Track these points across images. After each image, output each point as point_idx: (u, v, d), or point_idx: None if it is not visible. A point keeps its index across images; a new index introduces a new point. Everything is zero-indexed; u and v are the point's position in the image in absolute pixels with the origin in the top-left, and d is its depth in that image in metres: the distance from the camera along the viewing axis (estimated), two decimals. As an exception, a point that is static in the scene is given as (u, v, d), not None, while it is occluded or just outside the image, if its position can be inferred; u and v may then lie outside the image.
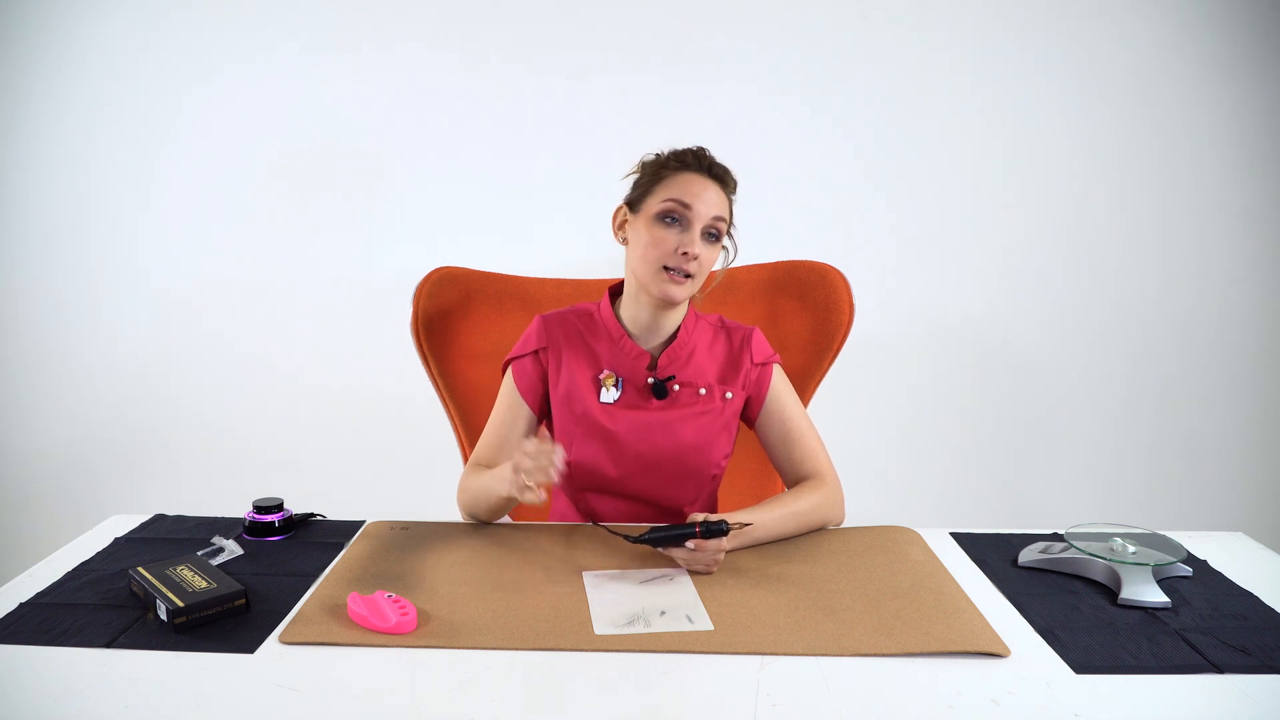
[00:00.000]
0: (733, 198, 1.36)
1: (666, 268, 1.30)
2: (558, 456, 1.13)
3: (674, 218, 1.30)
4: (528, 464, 1.14)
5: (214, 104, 2.33)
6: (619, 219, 1.38)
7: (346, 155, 2.36)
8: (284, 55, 2.30)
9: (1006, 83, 2.29)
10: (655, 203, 1.31)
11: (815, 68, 2.29)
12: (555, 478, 1.14)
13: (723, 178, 1.33)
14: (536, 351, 1.40)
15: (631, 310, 1.38)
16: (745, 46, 2.27)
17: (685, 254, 1.28)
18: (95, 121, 2.34)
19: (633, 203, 1.36)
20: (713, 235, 1.31)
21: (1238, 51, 2.27)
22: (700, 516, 1.18)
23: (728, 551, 1.24)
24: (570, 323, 1.41)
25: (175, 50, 2.30)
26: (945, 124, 2.32)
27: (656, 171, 1.34)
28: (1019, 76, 2.29)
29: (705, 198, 1.30)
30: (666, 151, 1.36)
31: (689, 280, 1.31)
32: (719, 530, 1.15)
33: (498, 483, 1.25)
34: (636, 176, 1.37)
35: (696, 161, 1.32)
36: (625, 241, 1.37)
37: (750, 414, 1.43)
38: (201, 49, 2.30)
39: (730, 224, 1.35)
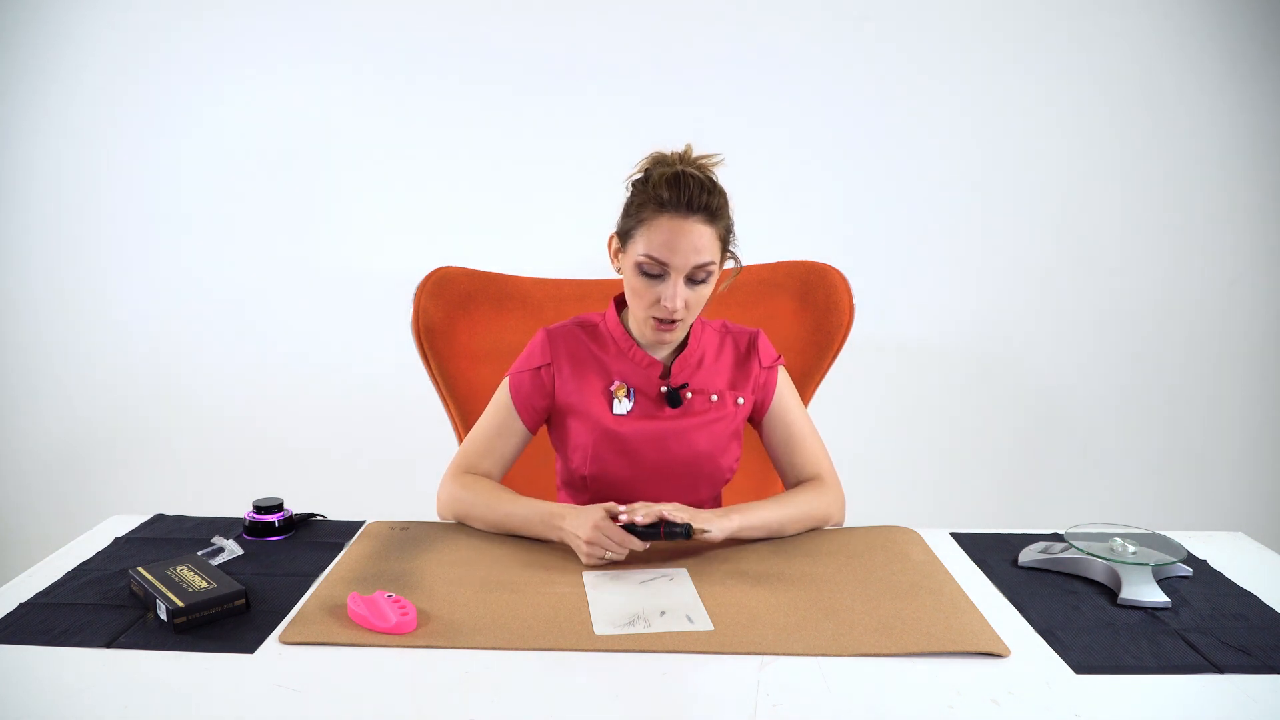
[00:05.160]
0: (723, 222, 1.28)
1: (652, 315, 1.29)
2: (633, 544, 1.18)
3: (653, 270, 1.26)
4: (599, 542, 1.18)
5: (214, 104, 2.33)
6: (612, 248, 1.35)
7: (347, 155, 2.36)
8: (285, 54, 2.30)
9: (1007, 83, 2.29)
10: (635, 250, 1.27)
11: (817, 68, 2.29)
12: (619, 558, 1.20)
13: (706, 206, 1.24)
14: (539, 368, 1.39)
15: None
16: (746, 46, 2.27)
17: (667, 307, 1.26)
18: (97, 121, 2.34)
19: (621, 235, 1.32)
20: (700, 276, 1.26)
21: (1238, 51, 2.27)
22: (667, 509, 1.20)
23: (724, 545, 1.25)
24: (576, 336, 1.40)
25: (177, 49, 2.30)
26: (946, 124, 2.32)
27: (639, 209, 1.27)
28: (1019, 77, 2.29)
29: (684, 247, 1.23)
30: (653, 174, 1.27)
31: (679, 323, 1.29)
32: (683, 534, 1.18)
33: (543, 526, 1.26)
34: (626, 199, 1.32)
35: (674, 198, 1.23)
36: (620, 271, 1.34)
37: (756, 416, 1.43)
38: (203, 48, 2.30)
39: (730, 236, 1.31)
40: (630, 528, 1.19)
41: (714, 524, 1.21)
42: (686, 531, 1.18)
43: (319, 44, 2.29)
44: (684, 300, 1.26)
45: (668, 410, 1.37)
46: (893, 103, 2.30)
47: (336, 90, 2.32)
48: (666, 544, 1.27)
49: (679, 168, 1.26)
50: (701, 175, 1.26)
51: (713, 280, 1.29)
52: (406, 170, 2.35)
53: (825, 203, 2.36)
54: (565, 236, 2.33)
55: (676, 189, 1.23)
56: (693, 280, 1.27)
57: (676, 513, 1.20)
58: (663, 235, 1.24)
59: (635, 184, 1.31)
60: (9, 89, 2.32)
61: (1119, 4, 2.25)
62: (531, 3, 2.26)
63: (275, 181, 2.37)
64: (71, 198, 2.38)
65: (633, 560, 1.22)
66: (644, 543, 1.19)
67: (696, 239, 1.24)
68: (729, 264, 1.37)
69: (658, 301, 1.27)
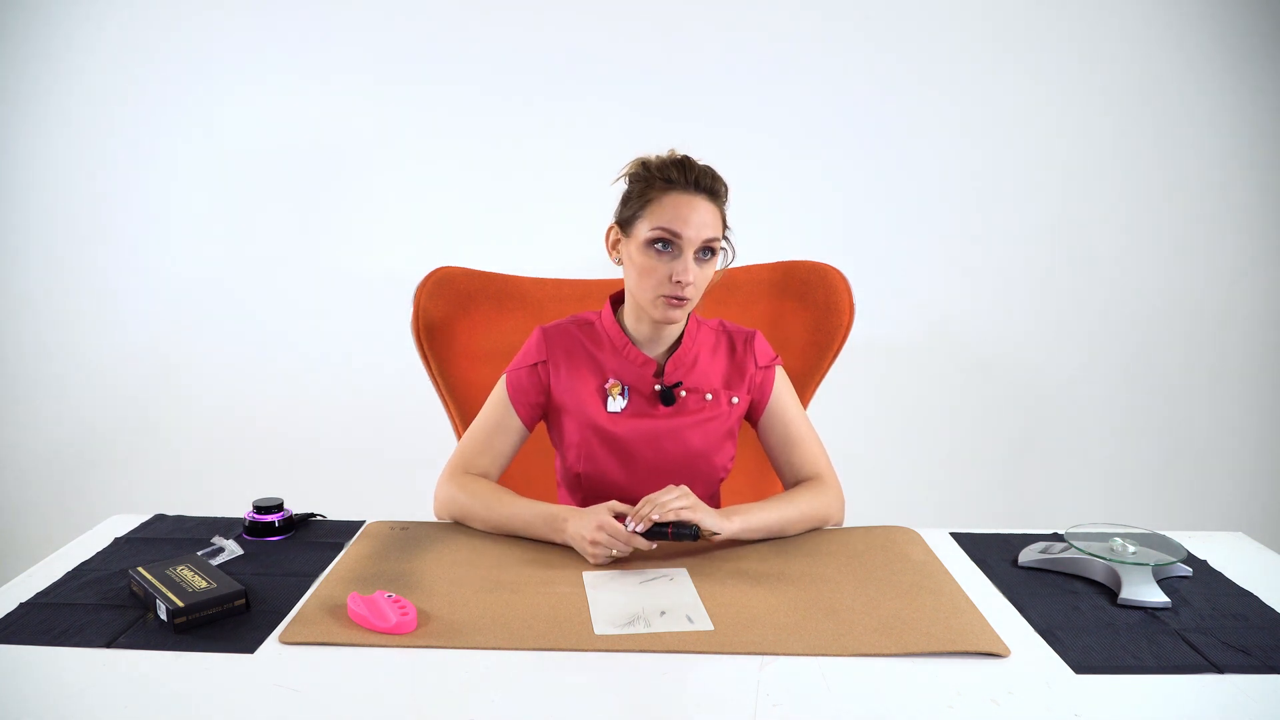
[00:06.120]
0: (724, 205, 1.32)
1: (663, 294, 1.29)
2: (639, 544, 1.19)
3: (665, 244, 1.27)
4: (604, 541, 1.19)
5: (215, 105, 2.33)
6: (611, 238, 1.36)
7: (347, 156, 2.36)
8: (285, 57, 2.30)
9: (1008, 82, 2.29)
10: (644, 229, 1.28)
11: (817, 67, 2.29)
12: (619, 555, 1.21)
13: (711, 188, 1.29)
14: (535, 365, 1.39)
15: (634, 321, 1.38)
16: (745, 47, 2.27)
17: (679, 281, 1.27)
18: (98, 122, 2.34)
19: (623, 223, 1.33)
20: (706, 253, 1.29)
21: (1237, 50, 2.27)
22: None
23: (724, 545, 1.25)
24: (571, 334, 1.41)
25: (177, 51, 2.30)
26: (946, 124, 2.32)
27: (643, 192, 1.30)
28: (1019, 77, 2.29)
29: (694, 220, 1.26)
30: (652, 161, 1.31)
31: (687, 302, 1.30)
32: (691, 535, 1.19)
33: (545, 529, 1.26)
34: (624, 191, 1.34)
35: (683, 177, 1.27)
36: (620, 261, 1.35)
37: (753, 416, 1.43)
38: (204, 49, 2.30)
39: (725, 228, 1.33)
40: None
41: (717, 524, 1.22)
42: (694, 533, 1.18)
43: (321, 46, 2.29)
44: (694, 274, 1.28)
45: (661, 409, 1.37)
46: (893, 103, 2.30)
47: (337, 92, 2.32)
48: (667, 544, 1.27)
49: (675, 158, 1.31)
50: (703, 164, 1.31)
51: (715, 261, 1.32)
52: (407, 171, 2.35)
53: (825, 203, 2.36)
54: (565, 237, 2.33)
55: (683, 170, 1.28)
56: (700, 255, 1.29)
57: (680, 500, 1.20)
58: (672, 210, 1.27)
59: (633, 175, 1.33)
60: (10, 88, 2.32)
61: (1118, 3, 2.25)
62: (532, 6, 2.26)
63: (276, 182, 2.37)
64: (72, 198, 2.38)
65: (633, 560, 1.22)
66: (650, 542, 1.19)
67: (705, 214, 1.28)
68: (723, 262, 1.37)
69: (669, 277, 1.27)
